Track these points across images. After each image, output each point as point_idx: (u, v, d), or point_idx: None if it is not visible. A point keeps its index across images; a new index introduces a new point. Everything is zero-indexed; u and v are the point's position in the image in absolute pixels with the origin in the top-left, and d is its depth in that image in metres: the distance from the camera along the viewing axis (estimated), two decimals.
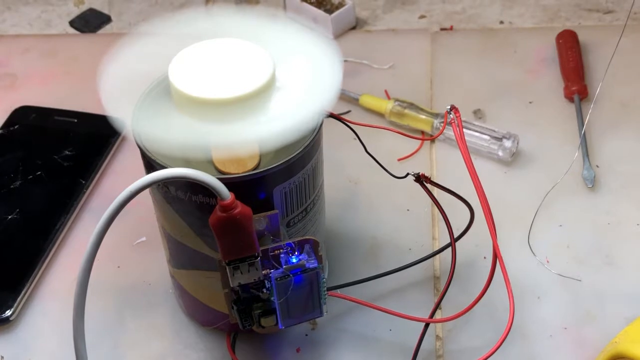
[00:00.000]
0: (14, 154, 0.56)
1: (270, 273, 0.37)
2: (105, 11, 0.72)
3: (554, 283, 0.47)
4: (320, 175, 0.41)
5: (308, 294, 0.38)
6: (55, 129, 0.58)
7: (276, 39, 0.38)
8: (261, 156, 0.37)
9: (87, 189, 0.53)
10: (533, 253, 0.48)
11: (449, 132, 0.55)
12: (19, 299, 0.46)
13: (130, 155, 0.56)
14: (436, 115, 0.57)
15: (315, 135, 0.37)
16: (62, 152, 0.55)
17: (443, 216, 0.43)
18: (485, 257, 0.48)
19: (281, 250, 0.37)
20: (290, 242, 0.37)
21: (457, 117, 0.38)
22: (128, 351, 0.44)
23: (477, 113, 0.59)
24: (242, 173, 0.35)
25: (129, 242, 0.50)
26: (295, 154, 0.36)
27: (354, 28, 0.69)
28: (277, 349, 0.44)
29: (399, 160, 0.55)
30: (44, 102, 0.60)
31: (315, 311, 0.39)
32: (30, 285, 0.47)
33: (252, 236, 0.35)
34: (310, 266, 0.37)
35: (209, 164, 0.36)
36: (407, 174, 0.42)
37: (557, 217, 0.51)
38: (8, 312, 0.45)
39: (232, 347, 0.44)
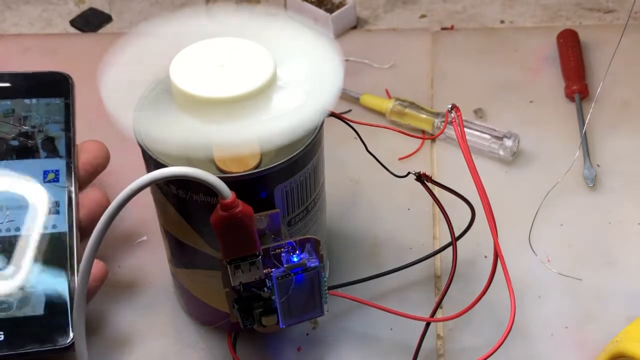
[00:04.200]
0: None
1: (272, 272, 0.37)
2: (106, 10, 0.72)
3: (554, 282, 0.47)
4: (321, 174, 0.41)
5: (309, 293, 0.38)
6: None
7: (277, 38, 0.38)
8: (262, 155, 0.37)
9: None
10: (534, 252, 0.48)
11: (450, 131, 0.55)
12: None
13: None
14: (437, 115, 0.57)
15: (317, 135, 0.37)
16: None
17: (444, 215, 0.43)
18: (486, 256, 0.48)
19: (282, 249, 0.37)
20: (291, 241, 0.37)
21: (458, 116, 0.38)
22: (129, 350, 0.44)
23: (478, 112, 0.59)
24: (243, 172, 0.35)
25: (129, 241, 0.50)
26: (296, 152, 0.36)
27: (354, 27, 0.69)
28: (278, 348, 0.44)
29: (400, 159, 0.55)
30: None
31: (316, 310, 0.39)
32: None
33: (253, 235, 0.35)
34: (311, 265, 0.37)
35: (210, 163, 0.36)
36: (408, 173, 0.42)
37: (558, 217, 0.51)
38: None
39: (233, 347, 0.44)
